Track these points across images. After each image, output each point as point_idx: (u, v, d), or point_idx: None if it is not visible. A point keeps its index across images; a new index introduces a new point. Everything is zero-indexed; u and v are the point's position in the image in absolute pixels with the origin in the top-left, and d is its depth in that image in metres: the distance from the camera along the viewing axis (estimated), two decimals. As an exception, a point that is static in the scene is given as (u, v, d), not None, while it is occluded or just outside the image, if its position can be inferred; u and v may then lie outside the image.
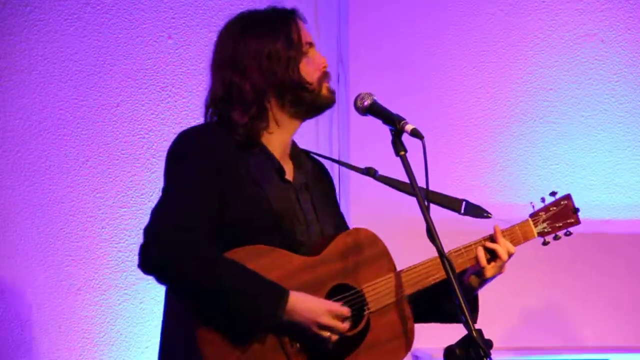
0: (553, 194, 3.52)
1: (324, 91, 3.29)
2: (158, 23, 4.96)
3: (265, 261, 3.13)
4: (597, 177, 4.95)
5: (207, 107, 3.31)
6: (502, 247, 3.36)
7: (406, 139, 3.17)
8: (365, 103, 3.24)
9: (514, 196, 5.09)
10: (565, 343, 5.19)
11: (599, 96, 5.26)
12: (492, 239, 3.38)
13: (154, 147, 4.93)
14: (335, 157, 4.77)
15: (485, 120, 5.23)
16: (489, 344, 2.94)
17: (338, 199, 3.55)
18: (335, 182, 3.63)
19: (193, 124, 3.27)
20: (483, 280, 3.37)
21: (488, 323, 3.17)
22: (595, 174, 5.18)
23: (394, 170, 3.36)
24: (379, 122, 3.23)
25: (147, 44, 4.97)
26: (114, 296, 4.88)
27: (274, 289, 3.08)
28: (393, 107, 3.24)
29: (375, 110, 3.23)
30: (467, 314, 2.95)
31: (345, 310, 3.15)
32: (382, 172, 3.49)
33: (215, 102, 3.28)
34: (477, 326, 2.96)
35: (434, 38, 5.20)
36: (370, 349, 3.22)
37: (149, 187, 4.91)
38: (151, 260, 3.07)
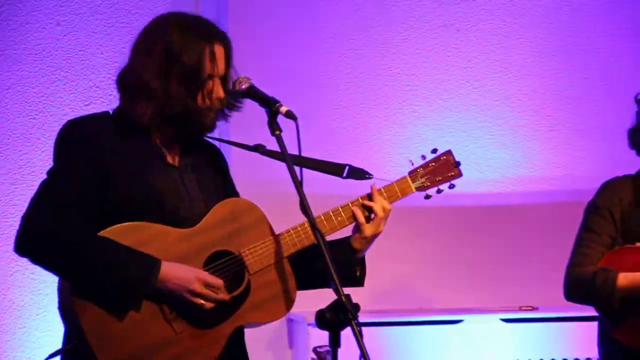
0: (434, 151, 3.55)
1: (207, 121, 3.27)
2: (47, 10, 5.03)
3: (141, 236, 3.15)
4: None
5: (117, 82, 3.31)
6: (378, 204, 3.39)
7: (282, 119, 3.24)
8: (243, 87, 3.28)
9: (378, 173, 5.31)
10: (422, 305, 5.36)
11: (455, 81, 5.45)
12: (370, 197, 3.42)
13: (44, 127, 5.02)
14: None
15: (351, 102, 5.38)
16: (356, 307, 3.03)
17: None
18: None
19: (81, 104, 3.28)
20: (364, 239, 3.40)
21: (354, 288, 3.30)
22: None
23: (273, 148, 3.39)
24: (256, 104, 3.27)
25: (37, 30, 5.04)
26: (6, 267, 4.98)
27: (145, 259, 3.12)
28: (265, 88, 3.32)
29: (251, 93, 3.27)
30: (336, 279, 3.03)
31: (218, 282, 3.19)
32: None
33: (120, 83, 3.28)
34: (345, 291, 3.03)
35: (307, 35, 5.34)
36: (253, 308, 3.26)
37: (39, 165, 4.98)
38: (23, 245, 3.13)
